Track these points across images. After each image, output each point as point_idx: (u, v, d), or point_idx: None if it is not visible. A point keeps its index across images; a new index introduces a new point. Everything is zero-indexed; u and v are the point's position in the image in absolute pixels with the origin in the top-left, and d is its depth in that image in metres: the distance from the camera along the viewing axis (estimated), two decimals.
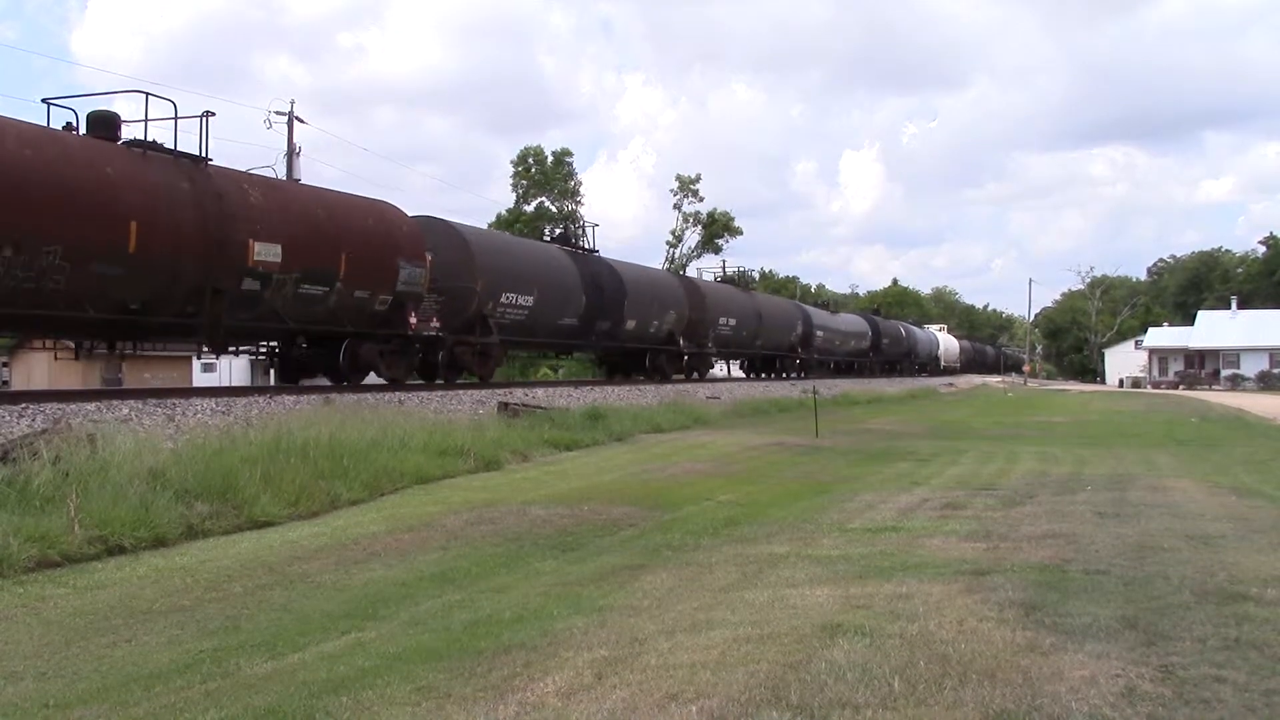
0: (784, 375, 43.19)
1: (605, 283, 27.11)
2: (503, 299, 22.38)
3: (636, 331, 28.93)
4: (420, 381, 20.51)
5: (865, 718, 4.14)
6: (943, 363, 73.18)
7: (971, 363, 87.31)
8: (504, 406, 18.48)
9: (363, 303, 17.47)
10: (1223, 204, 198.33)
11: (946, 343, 77.53)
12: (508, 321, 22.86)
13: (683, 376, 32.64)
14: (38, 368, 38.27)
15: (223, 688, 4.86)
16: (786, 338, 42.35)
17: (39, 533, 7.62)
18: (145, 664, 5.30)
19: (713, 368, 38.62)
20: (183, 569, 7.63)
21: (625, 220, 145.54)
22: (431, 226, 21.30)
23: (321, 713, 4.46)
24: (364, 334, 18.01)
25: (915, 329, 68.53)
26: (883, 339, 56.20)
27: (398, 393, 17.56)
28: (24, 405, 11.41)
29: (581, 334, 26.34)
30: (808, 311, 46.15)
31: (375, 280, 17.62)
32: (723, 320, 34.98)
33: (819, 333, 45.60)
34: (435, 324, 19.68)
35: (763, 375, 43.39)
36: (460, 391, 19.27)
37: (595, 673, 4.83)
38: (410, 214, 20.17)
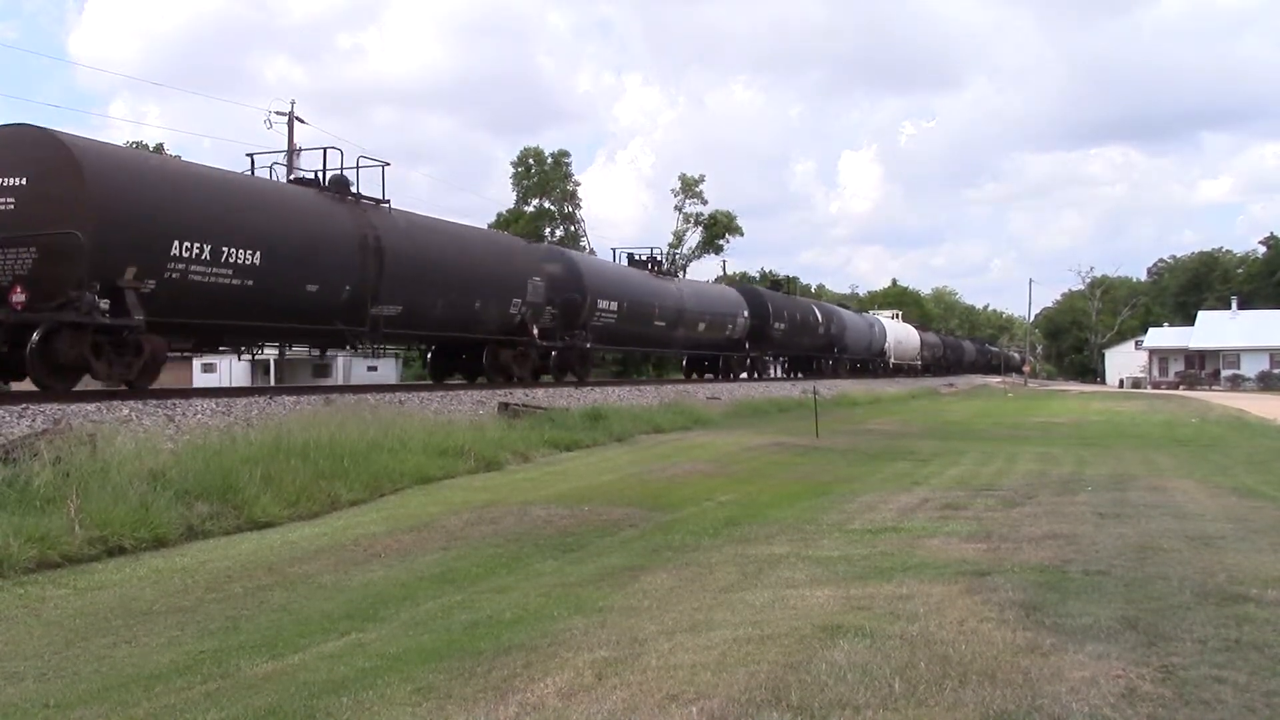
0: (512, 379, 22.08)
1: None
2: None
3: None
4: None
5: (866, 718, 4.14)
6: (892, 359, 57.52)
7: (940, 362, 70.92)
8: (504, 407, 18.50)
9: None
10: (1221, 204, 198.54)
11: (898, 334, 60.04)
12: None
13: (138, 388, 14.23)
14: None
15: (223, 688, 4.86)
16: (500, 308, 21.32)
17: (39, 533, 7.63)
18: (145, 664, 5.30)
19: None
20: (183, 569, 7.63)
21: (624, 220, 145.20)
22: None
23: (322, 713, 4.46)
24: None
25: (844, 312, 50.95)
26: (773, 324, 37.34)
27: (399, 393, 17.57)
28: (24, 405, 11.40)
29: None
30: (577, 265, 25.77)
31: None
32: (233, 251, 14.62)
33: (608, 305, 25.89)
34: None
35: (476, 379, 22.11)
36: (460, 392, 19.27)
37: (595, 673, 4.83)
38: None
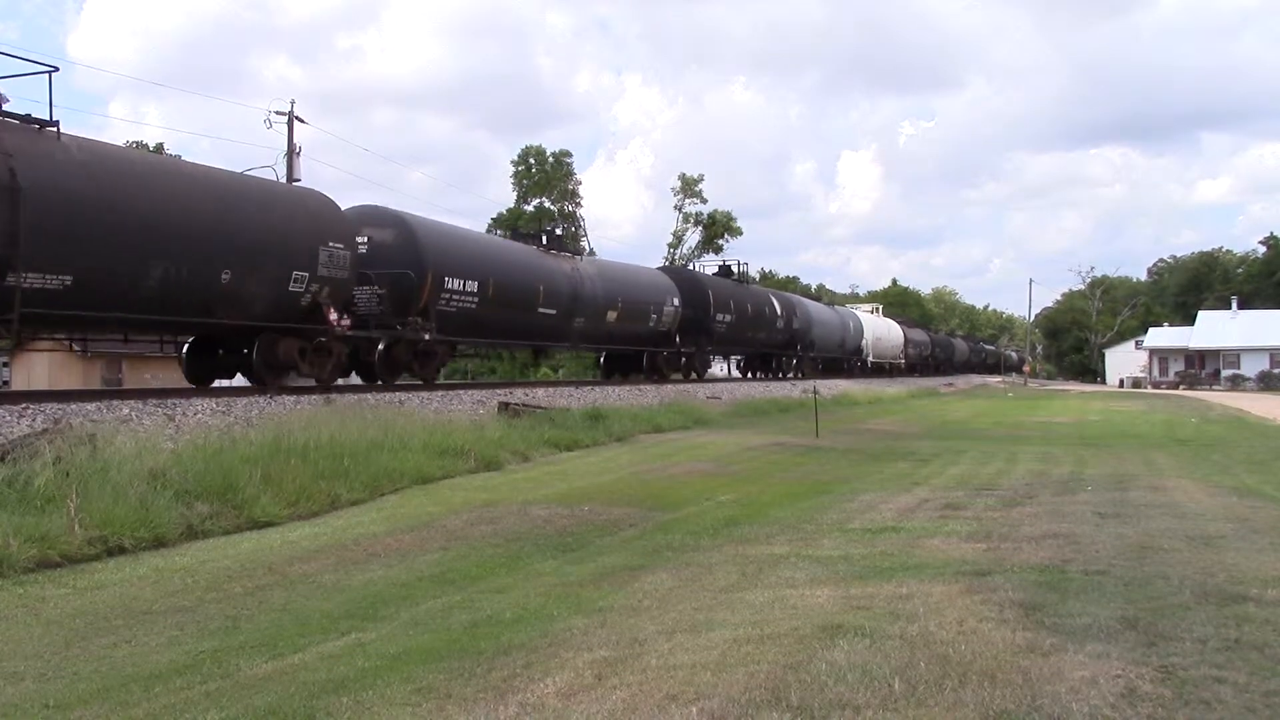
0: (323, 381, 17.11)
1: None
2: None
3: None
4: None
5: (865, 718, 4.14)
6: (871, 358, 51.98)
7: (928, 361, 65.45)
8: (504, 406, 18.50)
9: None
10: (1221, 204, 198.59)
11: (878, 331, 54.24)
12: None
13: None
14: (38, 368, 38.33)
15: (223, 688, 4.86)
16: (272, 284, 15.50)
17: (39, 533, 7.63)
18: (145, 664, 5.31)
19: None
20: (183, 569, 7.64)
21: (623, 220, 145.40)
22: None
23: (322, 713, 4.46)
24: None
25: (811, 305, 45.09)
26: (714, 315, 31.87)
27: (398, 393, 17.53)
28: (24, 405, 11.41)
29: None
30: (412, 232, 19.30)
31: None
32: None
33: (462, 285, 19.87)
34: None
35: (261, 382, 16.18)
36: (461, 391, 19.27)
37: (595, 673, 4.83)
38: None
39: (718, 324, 32.34)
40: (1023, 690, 4.40)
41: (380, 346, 18.36)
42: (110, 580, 7.27)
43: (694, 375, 32.24)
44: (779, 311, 38.08)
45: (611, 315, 26.10)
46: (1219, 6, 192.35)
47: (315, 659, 5.32)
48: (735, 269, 37.51)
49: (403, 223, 19.47)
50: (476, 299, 20.39)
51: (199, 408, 13.21)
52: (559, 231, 26.24)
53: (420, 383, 19.35)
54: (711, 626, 5.66)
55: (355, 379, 19.25)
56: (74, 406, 11.78)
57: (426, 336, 19.06)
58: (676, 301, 29.81)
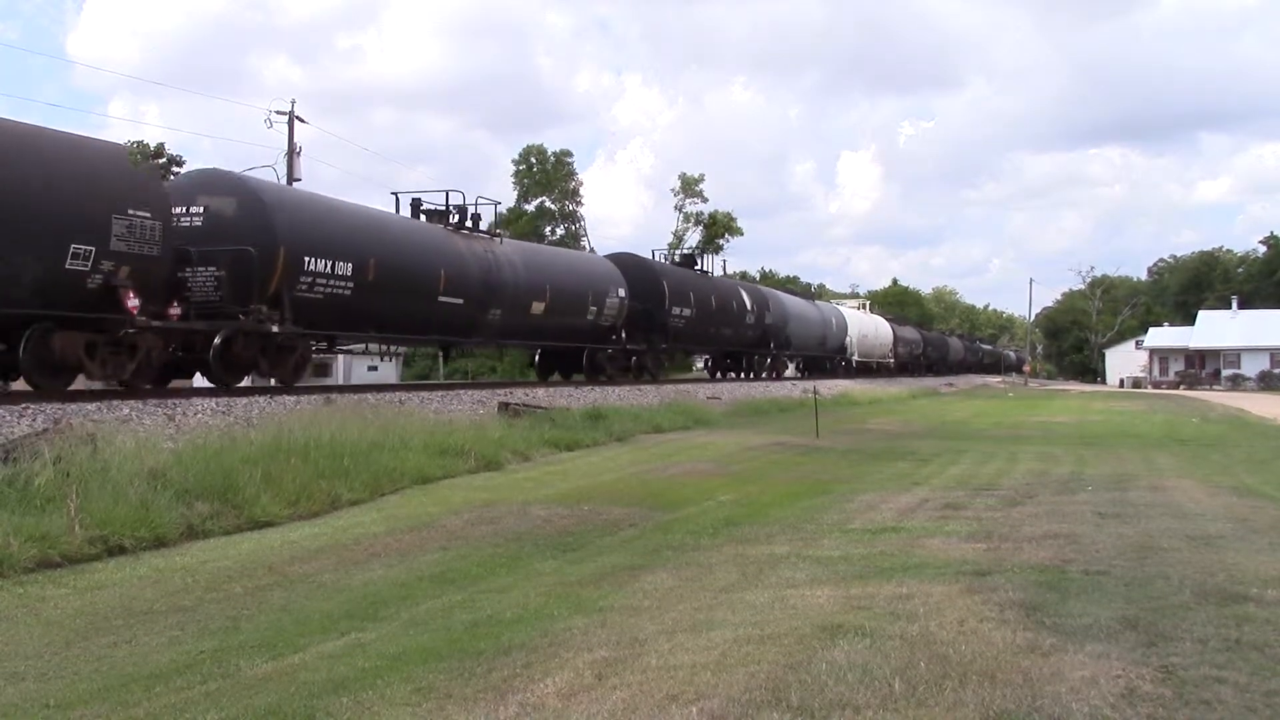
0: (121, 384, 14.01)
1: None
2: None
3: None
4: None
5: (866, 718, 4.14)
6: (856, 357, 48.36)
7: (919, 360, 62.75)
8: (504, 407, 18.50)
9: None
10: (1221, 205, 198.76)
11: (864, 328, 50.38)
12: None
13: None
14: None
15: (223, 688, 4.86)
16: (39, 261, 12.12)
17: (39, 533, 7.63)
18: (146, 664, 5.31)
19: None
20: (183, 569, 7.64)
21: (624, 220, 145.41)
22: None
23: (322, 713, 4.46)
24: None
25: (788, 299, 41.26)
26: (670, 309, 28.35)
27: (398, 393, 17.52)
28: (24, 405, 11.40)
29: None
30: (259, 200, 15.89)
31: None
32: None
33: (329, 266, 16.40)
34: None
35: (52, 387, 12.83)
36: (461, 391, 19.26)
37: (596, 673, 4.83)
38: None
39: (675, 319, 28.66)
40: (1023, 690, 4.40)
41: (217, 341, 14.86)
42: (110, 580, 7.27)
43: (646, 377, 27.96)
44: (749, 306, 34.48)
45: (538, 307, 22.36)
46: (1219, 6, 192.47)
47: (315, 659, 5.32)
48: (698, 260, 34.30)
49: (248, 190, 16.04)
50: (351, 284, 16.82)
51: (199, 408, 13.22)
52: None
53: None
54: (712, 626, 5.66)
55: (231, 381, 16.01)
56: (74, 406, 11.78)
57: (275, 329, 15.49)
58: (622, 292, 26.01)
